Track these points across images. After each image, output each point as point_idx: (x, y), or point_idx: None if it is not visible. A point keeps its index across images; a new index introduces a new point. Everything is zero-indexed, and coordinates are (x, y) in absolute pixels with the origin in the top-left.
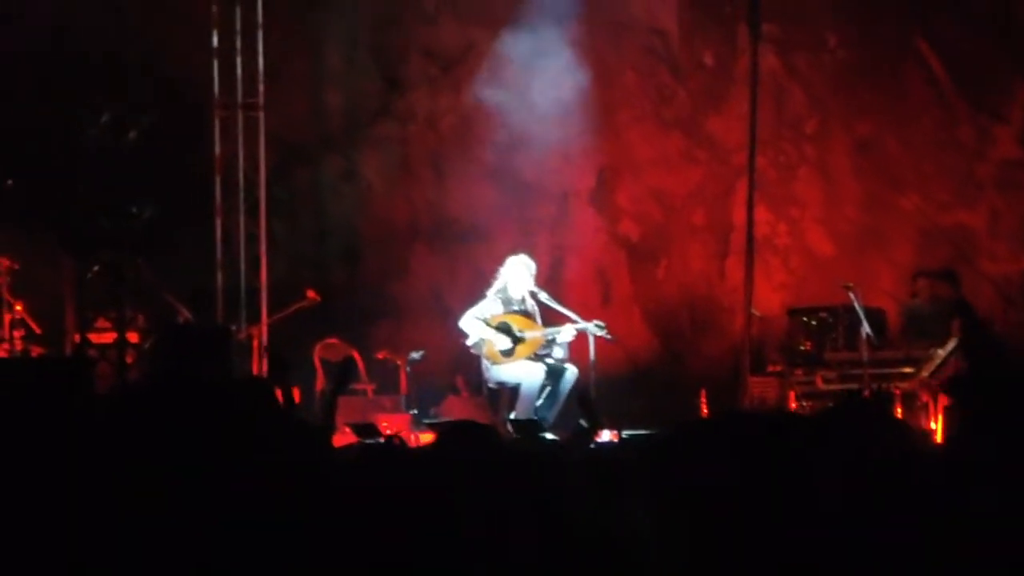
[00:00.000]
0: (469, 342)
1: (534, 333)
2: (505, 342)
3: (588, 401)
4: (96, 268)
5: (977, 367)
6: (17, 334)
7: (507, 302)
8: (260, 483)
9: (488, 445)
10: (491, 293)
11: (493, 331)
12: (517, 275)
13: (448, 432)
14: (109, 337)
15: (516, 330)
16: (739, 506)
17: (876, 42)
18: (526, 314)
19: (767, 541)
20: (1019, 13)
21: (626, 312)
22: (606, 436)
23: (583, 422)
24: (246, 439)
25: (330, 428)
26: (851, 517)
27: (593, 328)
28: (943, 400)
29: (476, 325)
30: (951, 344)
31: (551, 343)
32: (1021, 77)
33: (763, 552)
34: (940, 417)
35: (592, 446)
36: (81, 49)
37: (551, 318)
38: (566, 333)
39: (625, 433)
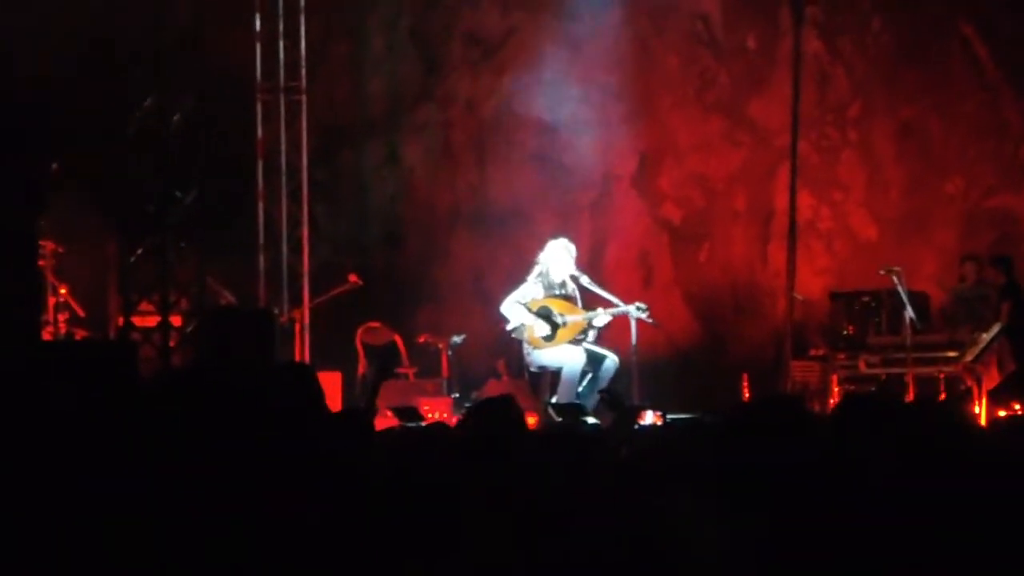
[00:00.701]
0: (510, 327)
1: (575, 317)
2: (545, 327)
3: (614, 395)
4: (140, 252)
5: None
6: (61, 317)
7: (548, 286)
8: (300, 470)
9: (514, 421)
10: (531, 278)
11: (533, 316)
12: (558, 259)
13: (477, 408)
14: (153, 321)
15: (557, 314)
16: (789, 492)
17: (920, 25)
18: (567, 298)
19: (821, 526)
20: None
21: (668, 296)
22: (649, 418)
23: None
24: (287, 426)
25: (372, 412)
26: (901, 504)
27: (634, 311)
28: (987, 384)
29: (517, 310)
30: (995, 328)
31: (589, 327)
32: None
33: (816, 538)
34: (984, 401)
35: (636, 427)
36: (125, 33)
37: (593, 302)
38: (601, 318)
39: (669, 417)
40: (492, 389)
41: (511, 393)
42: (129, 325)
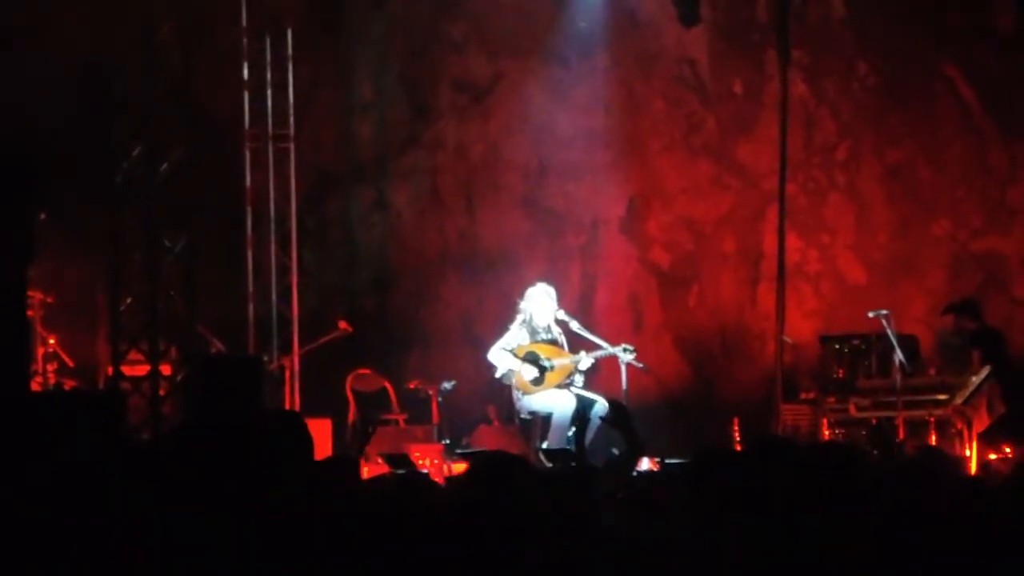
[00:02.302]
0: (497, 374)
1: (562, 361)
2: (533, 371)
3: (627, 421)
4: (129, 301)
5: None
6: (50, 367)
7: (533, 332)
8: (287, 520)
9: (521, 476)
10: (515, 325)
11: (520, 362)
12: (539, 304)
13: (481, 463)
14: (142, 370)
15: (544, 359)
16: (784, 532)
17: (906, 68)
18: (552, 342)
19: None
20: None
21: (657, 339)
22: (645, 464)
23: (615, 451)
24: (275, 475)
25: (357, 459)
26: (891, 547)
27: (622, 353)
28: (977, 427)
29: (504, 357)
30: (984, 371)
31: (576, 370)
32: None
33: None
34: (974, 444)
35: (633, 475)
36: (113, 82)
37: (583, 347)
38: (585, 361)
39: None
40: (483, 435)
41: (521, 456)
42: (118, 374)
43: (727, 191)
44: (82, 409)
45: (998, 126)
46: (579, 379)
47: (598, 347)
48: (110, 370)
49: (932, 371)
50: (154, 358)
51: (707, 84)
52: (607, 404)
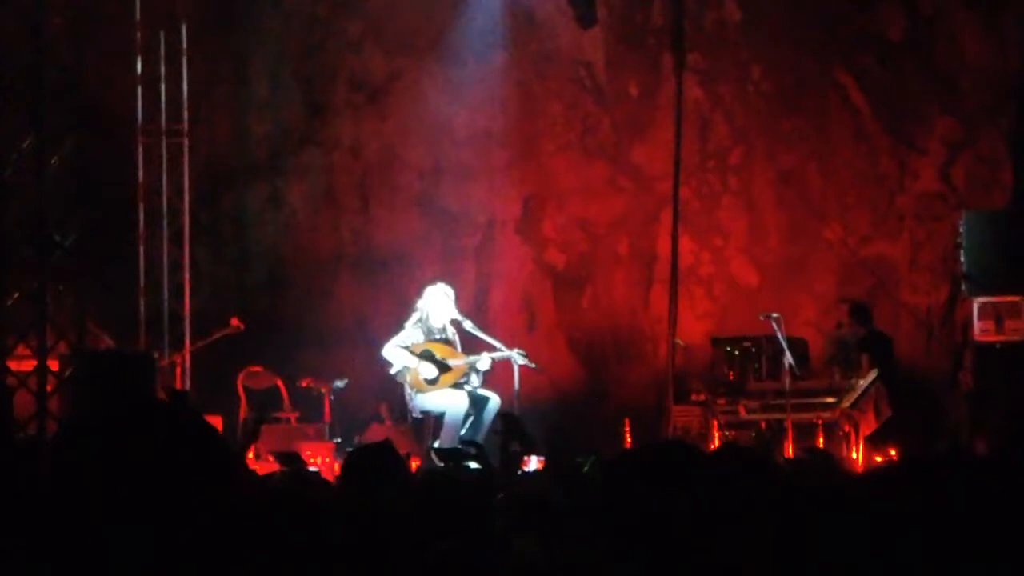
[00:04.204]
0: (393, 371)
1: (457, 361)
2: (430, 370)
3: (518, 425)
4: (16, 295)
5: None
6: None
7: (428, 332)
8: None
9: (394, 467)
10: (410, 323)
11: (417, 359)
12: (437, 304)
13: (356, 455)
14: (29, 365)
15: (439, 358)
16: (671, 535)
17: (799, 74)
18: (447, 342)
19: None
20: (939, 47)
21: (551, 340)
22: (533, 464)
23: (515, 447)
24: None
25: (243, 456)
26: (782, 544)
27: (517, 356)
28: (864, 430)
29: (400, 353)
30: (872, 375)
31: (472, 371)
32: (941, 110)
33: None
34: (861, 447)
35: (520, 473)
36: (2, 73)
37: (476, 346)
38: (484, 361)
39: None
40: (375, 433)
41: (389, 438)
42: (5, 369)
43: (622, 193)
44: None
45: (888, 133)
46: (476, 379)
47: (493, 348)
48: None
49: (837, 373)
50: (42, 353)
51: (603, 86)
52: (499, 402)
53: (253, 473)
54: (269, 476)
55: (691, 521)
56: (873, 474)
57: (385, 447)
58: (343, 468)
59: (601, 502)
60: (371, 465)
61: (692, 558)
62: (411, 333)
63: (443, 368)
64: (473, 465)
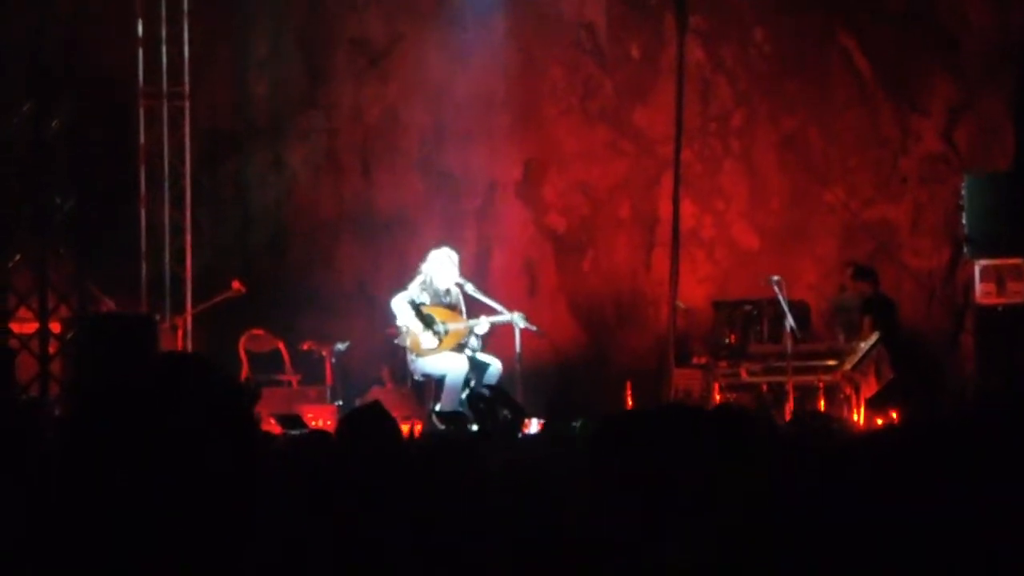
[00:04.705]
0: (398, 322)
1: (457, 325)
2: (430, 340)
3: (503, 395)
4: (17, 257)
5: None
6: None
7: (433, 295)
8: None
9: (386, 429)
10: (414, 285)
11: (419, 322)
12: (441, 268)
13: (350, 417)
14: (31, 327)
15: (439, 322)
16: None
17: (802, 37)
18: (451, 307)
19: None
20: (941, 9)
21: (552, 304)
22: (533, 427)
23: (507, 413)
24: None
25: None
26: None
27: (517, 319)
28: (865, 392)
29: (405, 309)
30: (873, 337)
31: (471, 334)
32: (943, 72)
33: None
34: (862, 409)
35: (519, 437)
36: (2, 37)
37: (478, 310)
38: (482, 325)
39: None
40: (376, 396)
41: (379, 400)
42: (6, 331)
43: (623, 156)
44: None
45: (891, 96)
46: (475, 342)
47: (494, 311)
48: None
49: (840, 335)
50: (43, 316)
51: (605, 49)
52: (500, 367)
53: (266, 434)
54: (272, 437)
55: (685, 480)
56: (872, 436)
57: (376, 409)
58: (337, 431)
59: (590, 463)
60: (365, 427)
61: (686, 517)
62: (418, 293)
63: (442, 332)
64: (474, 428)
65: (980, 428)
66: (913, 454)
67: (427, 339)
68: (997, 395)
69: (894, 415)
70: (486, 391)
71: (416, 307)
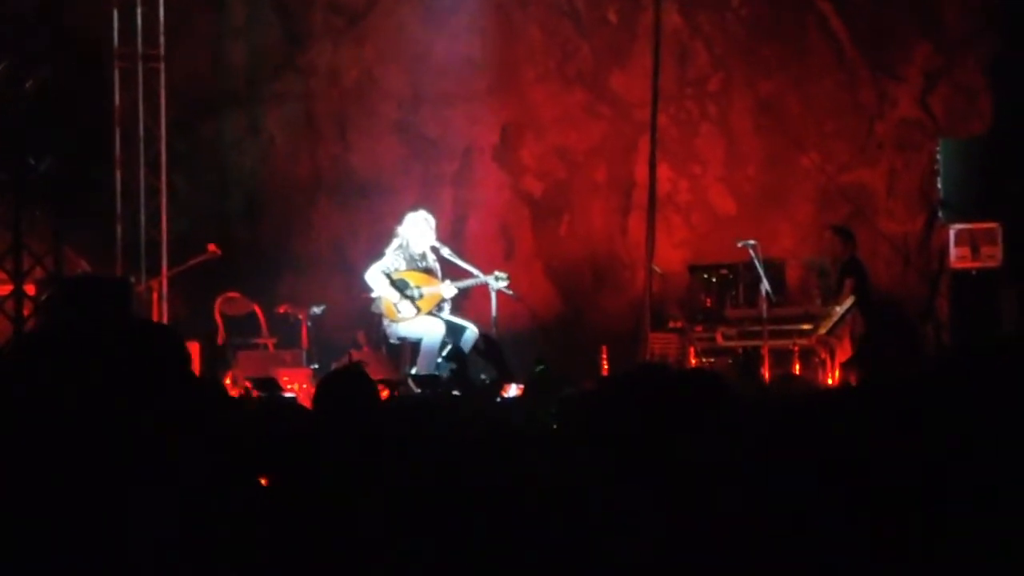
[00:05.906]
0: (374, 294)
1: (432, 289)
2: (406, 303)
3: (497, 351)
4: None
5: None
6: None
7: (409, 259)
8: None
9: (365, 390)
10: (391, 250)
11: (397, 293)
12: (417, 231)
13: (328, 379)
14: (5, 289)
15: (413, 287)
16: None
17: (778, 2)
18: (427, 271)
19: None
20: None
21: (529, 268)
22: (513, 391)
23: (484, 377)
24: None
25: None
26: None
27: (493, 281)
28: (840, 356)
29: (380, 280)
30: (848, 301)
31: (447, 299)
32: (920, 38)
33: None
34: (837, 373)
35: (498, 400)
36: None
37: (454, 273)
38: (448, 289)
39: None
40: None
41: (360, 361)
42: None
43: (600, 120)
44: None
45: (867, 61)
46: (446, 306)
47: (468, 275)
48: None
49: (817, 298)
50: (18, 277)
51: (582, 12)
52: (477, 332)
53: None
54: (245, 401)
55: (657, 437)
56: (820, 396)
57: (355, 371)
58: (316, 394)
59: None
60: (343, 390)
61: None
62: (393, 259)
63: (417, 297)
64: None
65: (934, 388)
66: (859, 414)
67: (405, 307)
68: (954, 356)
69: (851, 379)
70: (480, 347)
71: (390, 277)
